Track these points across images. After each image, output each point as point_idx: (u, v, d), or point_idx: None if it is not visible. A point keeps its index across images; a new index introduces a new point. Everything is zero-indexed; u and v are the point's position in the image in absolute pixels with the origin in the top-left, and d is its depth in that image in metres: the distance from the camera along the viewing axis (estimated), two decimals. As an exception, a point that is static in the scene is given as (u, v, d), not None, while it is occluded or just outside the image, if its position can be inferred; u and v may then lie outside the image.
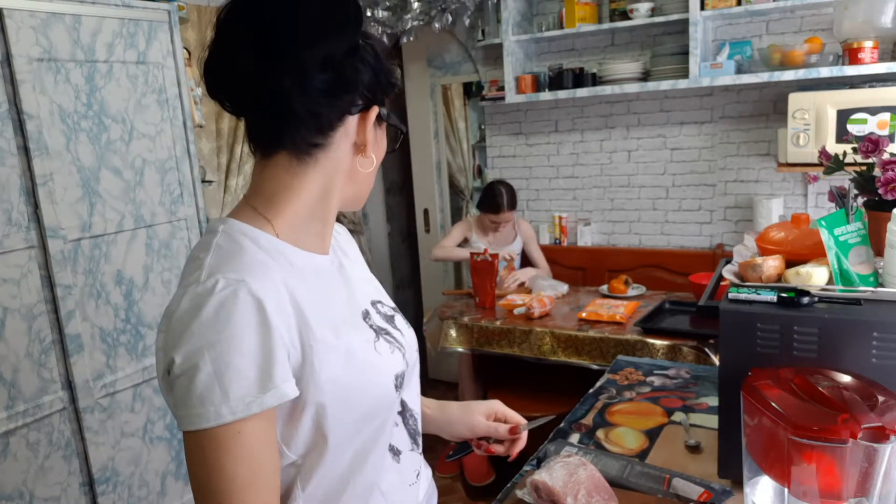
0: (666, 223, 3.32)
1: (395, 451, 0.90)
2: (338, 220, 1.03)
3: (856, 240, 1.14)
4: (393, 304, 0.99)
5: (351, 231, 1.06)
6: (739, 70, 2.80)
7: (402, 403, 0.93)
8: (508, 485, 1.27)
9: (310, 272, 0.83)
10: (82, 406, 2.12)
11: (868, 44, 2.47)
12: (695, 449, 1.37)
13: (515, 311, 2.83)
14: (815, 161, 2.51)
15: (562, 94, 3.16)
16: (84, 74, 2.08)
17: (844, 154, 1.36)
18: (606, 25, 3.03)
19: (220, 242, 0.79)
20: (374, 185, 0.92)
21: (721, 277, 1.32)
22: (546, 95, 3.21)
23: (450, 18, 3.31)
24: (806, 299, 1.07)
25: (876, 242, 1.19)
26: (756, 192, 3.05)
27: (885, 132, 2.39)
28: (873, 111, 2.41)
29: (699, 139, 3.15)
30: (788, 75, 2.62)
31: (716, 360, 2.28)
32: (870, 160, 1.30)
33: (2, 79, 1.88)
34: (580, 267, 3.51)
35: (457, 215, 4.26)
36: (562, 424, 1.53)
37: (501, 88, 3.38)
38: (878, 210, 1.26)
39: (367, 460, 0.85)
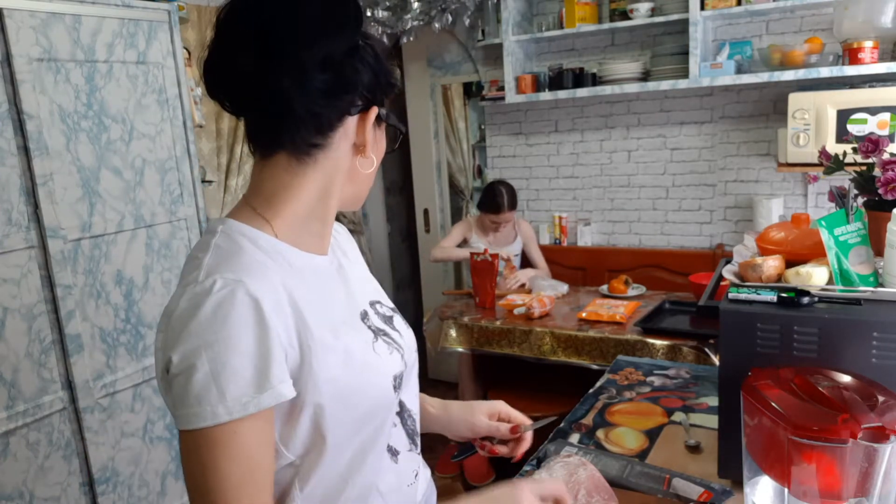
0: (666, 223, 3.32)
1: (393, 452, 0.90)
2: (338, 219, 1.03)
3: (856, 240, 1.14)
4: (392, 305, 0.99)
5: (351, 231, 1.06)
6: (739, 70, 2.80)
7: (401, 404, 0.93)
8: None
9: (308, 272, 0.83)
10: (82, 406, 2.12)
11: (868, 44, 2.47)
12: (695, 449, 1.37)
13: (515, 311, 2.83)
14: (815, 161, 2.51)
15: (562, 94, 3.16)
16: (84, 74, 2.08)
17: (844, 154, 1.36)
18: (606, 25, 3.03)
19: (219, 242, 0.79)
20: (374, 185, 0.92)
21: (721, 277, 1.32)
22: (546, 95, 3.21)
23: (450, 18, 3.31)
24: (806, 299, 1.07)
25: (876, 242, 1.19)
26: (756, 192, 3.05)
27: (885, 132, 2.39)
28: (873, 111, 2.41)
29: (699, 139, 3.15)
30: (788, 75, 2.62)
31: (716, 360, 2.28)
32: (870, 160, 1.30)
33: (2, 79, 1.88)
34: (580, 267, 3.51)
35: (457, 215, 4.26)
36: (562, 424, 1.53)
37: (501, 88, 3.38)
38: (878, 210, 1.26)
39: (365, 461, 0.85)
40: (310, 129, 0.79)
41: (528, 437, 1.08)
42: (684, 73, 2.85)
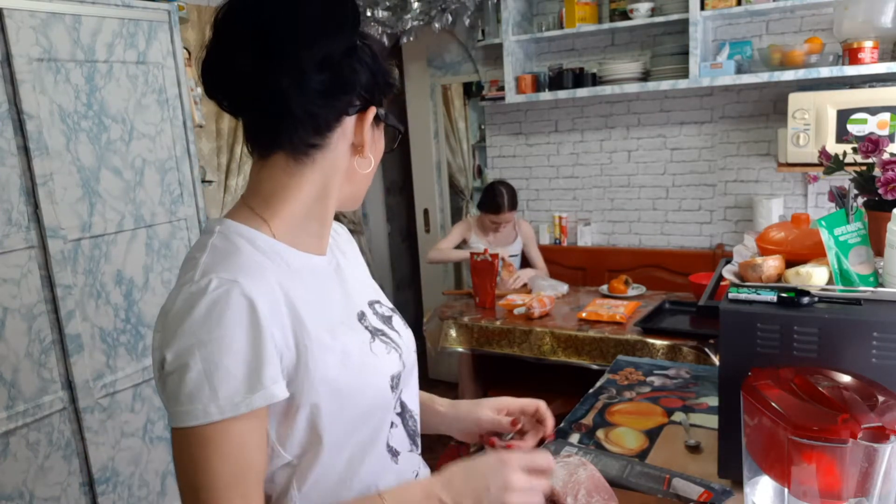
0: (666, 223, 3.32)
1: (393, 452, 0.90)
2: (338, 219, 1.03)
3: (856, 240, 1.13)
4: (391, 305, 0.99)
5: (351, 231, 1.06)
6: (739, 70, 2.80)
7: (402, 404, 0.92)
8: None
9: (306, 273, 0.83)
10: (82, 406, 2.12)
11: (868, 44, 2.47)
12: (695, 449, 1.37)
13: (515, 311, 2.83)
14: (815, 161, 2.51)
15: (562, 94, 3.16)
16: (84, 74, 2.08)
17: (844, 154, 1.36)
18: (606, 25, 3.03)
19: (216, 243, 0.79)
20: (373, 185, 0.92)
21: (721, 277, 1.32)
22: (546, 95, 3.21)
23: (450, 18, 3.31)
24: (806, 299, 1.07)
25: (876, 242, 1.19)
26: (756, 192, 3.05)
27: (885, 132, 2.39)
28: (873, 111, 2.41)
29: (699, 139, 3.15)
30: (788, 75, 2.62)
31: (716, 360, 2.28)
32: (870, 160, 1.30)
33: (2, 79, 1.88)
34: (580, 267, 3.51)
35: (457, 215, 4.26)
36: (562, 424, 1.53)
37: (501, 88, 3.38)
38: (878, 210, 1.26)
39: (363, 461, 0.85)
40: (308, 129, 0.79)
41: (549, 423, 1.04)
42: (684, 73, 2.85)
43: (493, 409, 1.06)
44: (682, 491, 1.17)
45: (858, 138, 1.89)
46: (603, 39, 3.26)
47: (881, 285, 1.12)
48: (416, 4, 3.33)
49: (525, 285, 3.18)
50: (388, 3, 3.39)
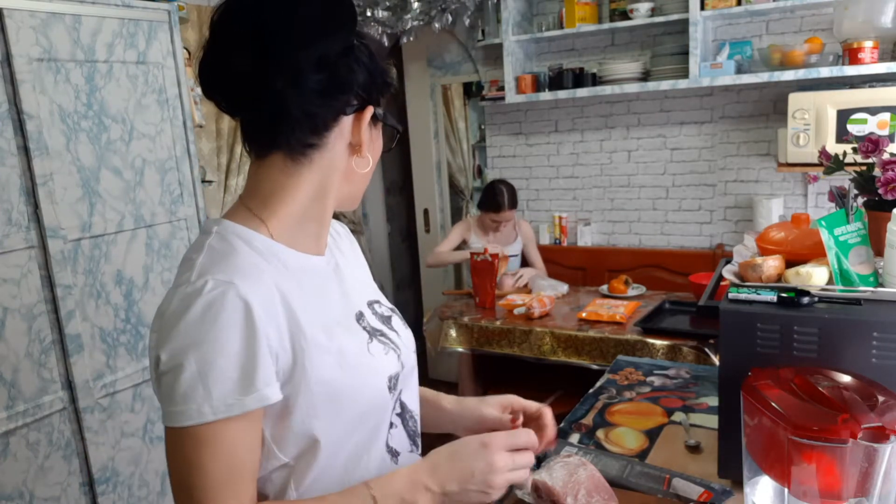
0: (666, 223, 3.32)
1: (393, 453, 0.90)
2: (338, 219, 1.03)
3: (856, 240, 1.13)
4: (391, 305, 0.99)
5: (351, 231, 1.06)
6: (739, 70, 2.80)
7: (402, 405, 0.92)
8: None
9: (303, 273, 0.83)
10: (82, 406, 2.12)
11: (868, 44, 2.47)
12: (695, 449, 1.37)
13: (515, 311, 2.83)
14: (815, 161, 2.51)
15: (562, 94, 3.16)
16: (84, 74, 2.08)
17: (844, 154, 1.36)
18: (606, 25, 3.03)
19: (213, 243, 0.79)
20: (373, 185, 0.92)
21: (721, 277, 1.32)
22: (546, 95, 3.21)
23: (450, 18, 3.31)
24: (806, 299, 1.07)
25: (876, 242, 1.19)
26: (756, 192, 3.05)
27: (885, 132, 2.39)
28: (873, 111, 2.41)
29: (699, 139, 3.15)
30: (788, 75, 2.62)
31: (716, 360, 2.28)
32: (870, 160, 1.30)
33: (2, 79, 1.88)
34: (580, 267, 3.51)
35: (457, 215, 4.26)
36: (562, 424, 1.53)
37: (501, 88, 3.38)
38: (878, 210, 1.26)
39: (362, 462, 0.85)
40: (305, 129, 0.79)
41: (550, 425, 1.02)
42: (684, 73, 2.85)
43: (498, 406, 1.04)
44: (682, 491, 1.17)
45: (858, 138, 1.89)
46: (603, 39, 3.26)
47: (881, 285, 1.12)
48: (416, 4, 3.33)
49: (525, 285, 3.18)
50: (388, 3, 3.39)
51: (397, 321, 0.96)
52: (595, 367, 2.51)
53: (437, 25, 3.33)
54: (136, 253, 2.28)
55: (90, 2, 2.08)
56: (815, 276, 1.12)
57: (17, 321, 1.95)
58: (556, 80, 3.20)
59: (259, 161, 0.83)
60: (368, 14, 3.38)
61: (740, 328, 1.10)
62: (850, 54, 2.51)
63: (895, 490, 0.86)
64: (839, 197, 1.20)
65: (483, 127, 3.95)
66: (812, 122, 2.51)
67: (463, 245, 3.36)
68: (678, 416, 1.53)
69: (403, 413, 0.93)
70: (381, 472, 0.87)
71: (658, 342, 2.41)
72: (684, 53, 2.84)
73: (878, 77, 2.54)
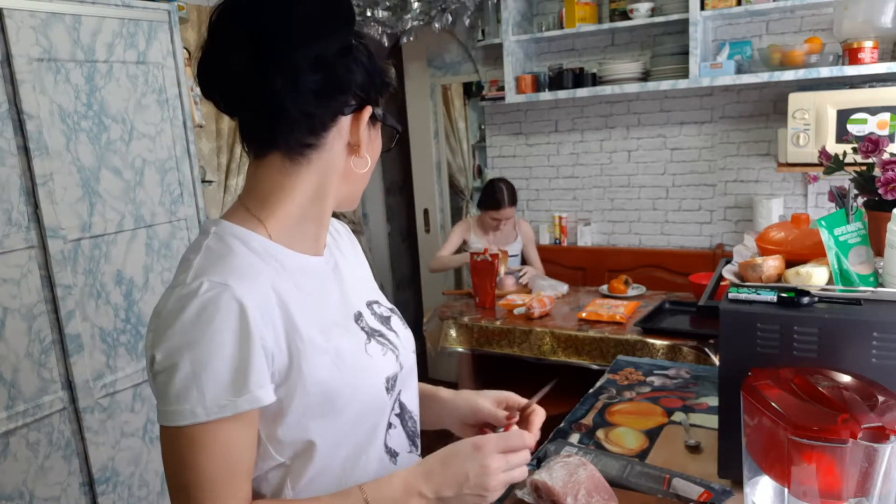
0: (666, 223, 3.32)
1: (392, 453, 0.90)
2: (338, 219, 1.03)
3: (856, 240, 1.13)
4: (391, 305, 0.99)
5: (351, 231, 1.06)
6: (739, 70, 2.80)
7: (401, 405, 0.92)
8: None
9: (301, 274, 0.83)
10: (82, 406, 2.12)
11: (868, 44, 2.47)
12: (695, 449, 1.37)
13: (515, 311, 2.83)
14: (815, 161, 2.51)
15: (562, 94, 3.16)
16: (84, 74, 2.08)
17: (844, 154, 1.36)
18: (606, 25, 3.03)
19: (211, 244, 0.79)
20: (373, 185, 0.92)
21: (721, 277, 1.32)
22: (546, 95, 3.21)
23: (450, 18, 3.31)
24: (806, 299, 1.07)
25: (876, 242, 1.19)
26: (756, 192, 3.05)
27: (885, 132, 2.39)
28: (873, 111, 2.41)
29: (699, 139, 3.15)
30: (788, 75, 2.62)
31: (716, 360, 2.28)
32: (870, 160, 1.30)
33: (2, 79, 1.88)
34: (580, 267, 3.51)
35: (457, 215, 4.26)
36: (562, 424, 1.53)
37: (501, 88, 3.38)
38: (878, 210, 1.26)
39: (360, 462, 0.85)
40: (303, 129, 0.79)
41: (538, 420, 0.99)
42: (684, 73, 2.85)
43: (494, 400, 1.03)
44: (682, 491, 1.17)
45: (858, 138, 1.89)
46: (603, 39, 3.26)
47: (881, 285, 1.12)
48: (416, 4, 3.33)
49: (525, 285, 3.19)
50: (388, 3, 3.39)
51: (397, 321, 0.96)
52: (595, 367, 2.51)
53: (437, 25, 3.33)
54: (136, 253, 2.28)
55: (90, 2, 2.08)
56: (815, 276, 1.12)
57: (17, 321, 1.95)
58: (556, 80, 3.20)
59: (257, 161, 0.83)
60: (368, 14, 3.38)
61: (740, 328, 1.10)
62: (850, 54, 2.51)
63: (895, 490, 0.86)
64: (839, 197, 1.20)
65: (483, 127, 3.95)
66: (812, 122, 2.51)
67: (464, 245, 3.36)
68: (678, 416, 1.53)
69: (403, 413, 0.93)
70: (380, 472, 0.87)
71: (658, 342, 2.41)
72: (684, 53, 2.84)
73: (878, 77, 2.54)
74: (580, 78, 3.16)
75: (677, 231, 3.29)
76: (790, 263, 1.18)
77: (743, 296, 1.12)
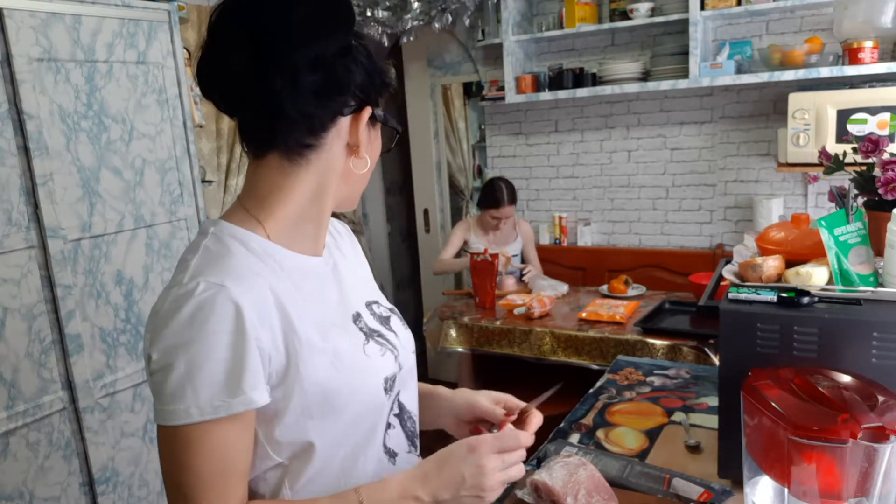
0: (666, 223, 3.32)
1: (391, 454, 0.90)
2: (338, 219, 1.03)
3: (856, 240, 1.13)
4: (390, 306, 0.99)
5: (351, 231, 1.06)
6: (739, 70, 2.80)
7: (400, 406, 0.92)
8: (509, 484, 1.27)
9: (299, 274, 0.83)
10: (82, 406, 2.12)
11: (868, 44, 2.47)
12: (695, 449, 1.37)
13: (515, 311, 2.83)
14: (815, 161, 2.51)
15: (562, 94, 3.16)
16: (84, 74, 2.08)
17: (844, 154, 1.36)
18: (606, 25, 3.03)
19: (209, 244, 0.79)
20: (373, 185, 0.92)
21: (721, 277, 1.32)
22: (546, 95, 3.21)
23: (450, 18, 3.31)
24: (806, 299, 1.07)
25: (876, 242, 1.19)
26: (756, 192, 3.05)
27: (885, 132, 2.39)
28: (873, 111, 2.41)
29: (699, 139, 3.15)
30: (788, 75, 2.62)
31: (716, 360, 2.28)
32: (870, 160, 1.30)
33: (2, 79, 1.88)
34: (580, 267, 3.51)
35: (457, 215, 4.26)
36: (562, 424, 1.53)
37: (501, 88, 3.38)
38: (878, 210, 1.26)
39: (358, 462, 0.85)
40: (302, 129, 0.79)
41: (535, 423, 0.99)
42: (684, 73, 2.85)
43: (492, 399, 1.04)
44: (682, 491, 1.17)
45: (858, 138, 1.89)
46: (603, 39, 3.26)
47: (881, 285, 1.12)
48: (416, 4, 3.33)
49: (526, 284, 3.19)
50: (388, 3, 3.39)
51: (396, 322, 0.96)
52: (595, 367, 2.51)
53: (437, 25, 3.33)
54: (136, 253, 2.28)
55: (90, 2, 2.08)
56: (815, 276, 1.12)
57: (17, 321, 1.95)
58: (556, 80, 3.20)
59: (257, 161, 0.83)
60: (368, 14, 3.38)
61: (740, 328, 1.10)
62: (850, 54, 2.51)
63: (895, 490, 0.86)
64: (839, 197, 1.20)
65: (483, 127, 3.95)
66: (812, 122, 2.51)
67: (464, 245, 3.36)
68: (678, 416, 1.53)
69: (402, 414, 0.93)
70: (379, 472, 0.87)
71: (658, 342, 2.41)
72: (684, 53, 2.84)
73: (878, 77, 2.54)
74: (580, 78, 3.16)
75: (677, 231, 3.29)
76: (790, 263, 1.18)
77: (743, 296, 1.12)
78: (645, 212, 3.36)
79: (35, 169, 1.95)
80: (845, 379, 0.94)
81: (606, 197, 3.45)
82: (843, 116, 2.46)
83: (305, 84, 0.76)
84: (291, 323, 0.78)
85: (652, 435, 1.46)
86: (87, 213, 2.11)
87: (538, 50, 3.43)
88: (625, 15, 2.99)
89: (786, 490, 0.91)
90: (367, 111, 0.83)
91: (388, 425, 0.89)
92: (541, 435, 1.32)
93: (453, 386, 1.13)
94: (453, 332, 2.84)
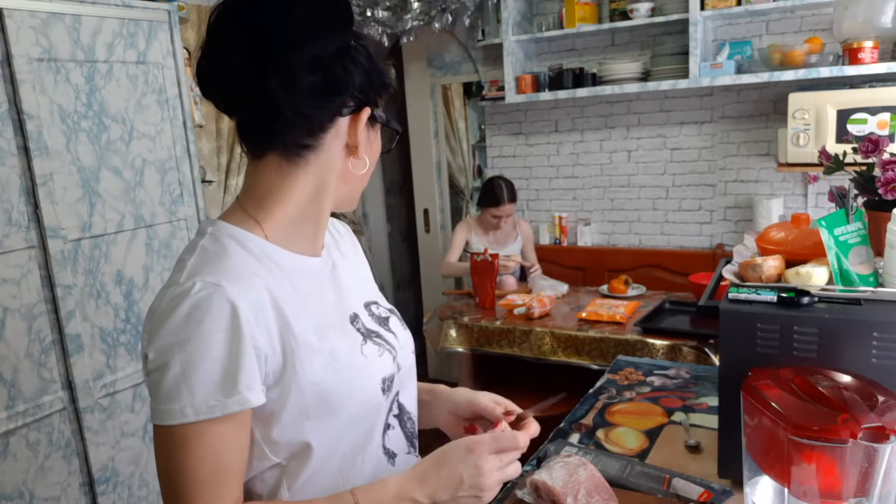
0: (666, 223, 3.32)
1: (390, 455, 0.90)
2: (338, 219, 1.03)
3: (856, 240, 1.13)
4: (390, 306, 0.99)
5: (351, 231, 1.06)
6: (739, 70, 2.80)
7: (399, 406, 0.92)
8: (508, 484, 1.27)
9: (297, 275, 0.83)
10: (82, 406, 2.12)
11: (868, 44, 2.47)
12: (695, 449, 1.37)
13: (515, 311, 2.83)
14: (815, 161, 2.51)
15: (562, 94, 3.16)
16: (84, 74, 2.08)
17: (844, 154, 1.36)
18: (606, 25, 3.03)
19: (206, 244, 0.79)
20: (373, 185, 0.92)
21: (721, 277, 1.32)
22: (546, 95, 3.21)
23: (450, 18, 3.31)
24: (806, 299, 1.07)
25: (876, 242, 1.19)
26: (756, 192, 3.05)
27: (885, 132, 2.39)
28: (873, 111, 2.41)
29: (699, 139, 3.15)
30: (788, 75, 2.62)
31: (716, 360, 2.28)
32: (870, 160, 1.30)
33: (2, 79, 1.88)
34: (580, 267, 3.51)
35: (457, 215, 4.26)
36: (562, 424, 1.53)
37: (501, 88, 3.38)
38: (878, 210, 1.25)
39: (356, 463, 0.85)
40: (300, 130, 0.79)
41: (534, 428, 0.98)
42: (684, 73, 2.85)
43: (491, 399, 1.04)
44: (682, 491, 1.17)
45: (858, 138, 1.88)
46: (603, 39, 3.26)
47: (881, 285, 1.12)
48: (416, 4, 3.33)
49: (526, 284, 3.19)
50: (388, 3, 3.39)
51: (395, 322, 0.96)
52: (595, 367, 2.51)
53: (437, 25, 3.33)
54: (136, 253, 2.28)
55: (90, 2, 2.08)
56: (815, 276, 1.12)
57: (17, 321, 1.95)
58: (556, 80, 3.20)
59: (255, 161, 0.83)
60: (368, 14, 3.38)
61: (740, 328, 1.10)
62: (850, 54, 2.51)
63: (895, 490, 0.86)
64: (839, 197, 1.20)
65: (483, 127, 3.95)
66: (812, 122, 2.51)
67: (466, 246, 3.36)
68: (678, 416, 1.53)
69: (401, 414, 0.92)
70: (377, 473, 0.87)
71: (658, 342, 2.41)
72: (684, 53, 2.84)
73: (878, 77, 2.54)
74: (580, 78, 3.16)
75: (677, 231, 3.29)
76: (790, 263, 1.18)
77: (743, 296, 1.12)
78: (645, 212, 3.36)
79: (35, 169, 1.95)
80: (845, 379, 0.94)
81: (606, 197, 3.45)
82: (843, 116, 2.46)
83: (304, 84, 0.76)
84: (288, 323, 0.78)
85: (652, 435, 1.46)
86: (87, 213, 2.11)
87: (538, 50, 3.43)
88: (625, 15, 2.99)
89: (786, 490, 0.91)
90: (366, 112, 0.83)
91: (388, 426, 0.89)
92: (541, 435, 1.32)
93: (453, 386, 1.13)
94: (453, 332, 2.84)
